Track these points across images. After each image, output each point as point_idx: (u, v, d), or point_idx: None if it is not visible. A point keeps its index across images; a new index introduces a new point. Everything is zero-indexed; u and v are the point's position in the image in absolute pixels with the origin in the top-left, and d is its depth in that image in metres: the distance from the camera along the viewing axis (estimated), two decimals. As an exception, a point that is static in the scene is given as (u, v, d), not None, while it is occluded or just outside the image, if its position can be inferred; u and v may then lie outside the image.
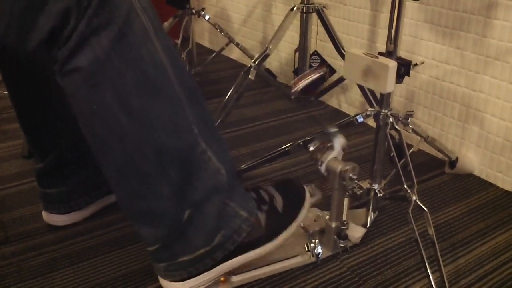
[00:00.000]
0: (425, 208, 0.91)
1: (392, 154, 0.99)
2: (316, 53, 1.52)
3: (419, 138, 1.18)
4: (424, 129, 1.20)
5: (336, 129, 0.94)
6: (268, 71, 1.92)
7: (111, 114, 0.70)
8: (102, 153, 0.75)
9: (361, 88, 1.34)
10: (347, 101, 1.66)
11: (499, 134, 1.23)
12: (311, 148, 0.95)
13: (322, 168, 0.92)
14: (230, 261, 0.86)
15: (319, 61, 1.52)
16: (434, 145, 1.20)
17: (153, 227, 0.80)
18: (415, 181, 0.93)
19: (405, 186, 0.92)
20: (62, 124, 0.96)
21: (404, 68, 0.94)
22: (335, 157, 0.94)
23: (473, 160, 1.30)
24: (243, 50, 1.80)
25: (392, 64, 0.89)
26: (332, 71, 1.53)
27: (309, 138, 1.12)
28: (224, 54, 2.16)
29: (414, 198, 0.91)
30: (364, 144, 1.45)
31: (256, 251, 0.88)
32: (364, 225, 1.06)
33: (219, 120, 1.34)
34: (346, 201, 0.94)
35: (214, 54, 1.87)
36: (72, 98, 0.71)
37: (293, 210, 0.93)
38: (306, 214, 0.95)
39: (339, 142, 0.92)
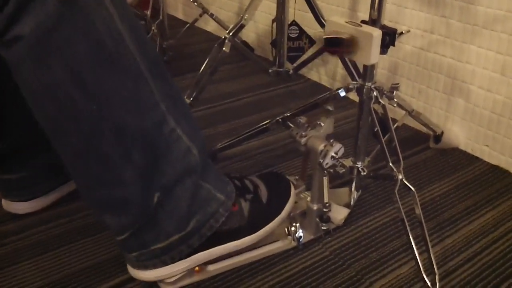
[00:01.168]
0: (412, 188, 0.85)
1: (376, 129, 0.93)
2: (294, 23, 1.44)
3: (403, 112, 1.13)
4: (409, 103, 1.14)
5: (330, 107, 0.87)
6: (245, 43, 1.84)
7: (62, 90, 0.62)
8: (56, 135, 0.67)
9: (342, 60, 1.27)
10: (328, 74, 1.59)
11: (486, 106, 1.18)
12: (300, 121, 0.88)
13: (302, 141, 0.85)
14: (207, 251, 0.80)
15: (297, 31, 1.44)
16: (419, 119, 1.14)
17: (118, 215, 0.73)
18: (401, 158, 0.87)
19: (390, 164, 0.86)
20: (17, 102, 0.88)
21: (389, 37, 0.87)
22: (317, 135, 0.87)
23: (458, 134, 1.25)
24: (218, 22, 1.71)
25: (377, 33, 0.82)
26: (311, 42, 1.45)
27: (288, 114, 1.05)
28: (198, 26, 2.06)
29: (400, 177, 0.85)
30: (345, 119, 1.39)
31: (236, 243, 0.82)
32: (347, 206, 1.01)
33: (193, 97, 1.26)
34: (326, 180, 0.87)
35: (187, 25, 1.77)
36: (17, 73, 0.63)
37: (278, 203, 0.87)
38: (291, 209, 0.89)
39: (328, 125, 0.86)
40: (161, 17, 1.59)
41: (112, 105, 0.64)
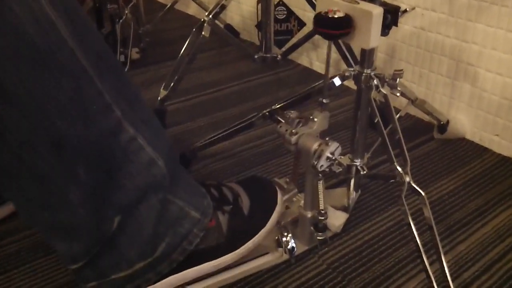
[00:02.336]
0: (421, 192, 0.73)
1: (376, 120, 0.81)
2: (281, 3, 1.31)
3: (404, 100, 1.00)
4: (411, 90, 1.01)
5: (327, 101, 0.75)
6: (229, 27, 1.70)
7: None
8: None
9: (336, 44, 1.15)
10: (319, 59, 1.46)
11: (494, 91, 1.06)
12: (289, 116, 0.75)
13: (293, 140, 0.73)
14: (180, 274, 0.67)
15: (285, 12, 1.31)
16: (423, 108, 1.02)
17: (68, 242, 0.61)
18: (407, 157, 0.75)
19: (396, 165, 0.74)
20: None
21: (391, 16, 0.75)
22: (310, 133, 0.75)
23: (464, 122, 1.13)
24: (199, 3, 1.57)
25: (377, 11, 0.69)
26: (301, 24, 1.32)
27: (276, 106, 0.92)
28: (178, 9, 1.92)
29: (407, 179, 0.73)
30: (340, 108, 1.26)
31: (214, 263, 0.69)
32: (345, 209, 0.89)
33: (170, 88, 1.13)
34: (321, 185, 0.75)
35: (166, 8, 1.63)
36: None
37: (263, 214, 0.75)
38: (278, 219, 0.77)
39: (323, 120, 0.74)
40: (134, 0, 1.45)
41: (44, 113, 0.51)
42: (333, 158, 0.71)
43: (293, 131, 0.74)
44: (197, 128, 1.18)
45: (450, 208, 0.92)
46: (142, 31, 1.57)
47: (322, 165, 0.71)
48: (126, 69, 1.33)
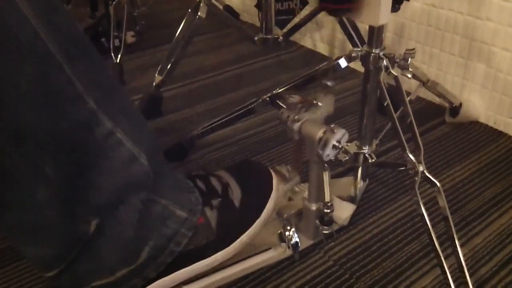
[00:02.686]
0: (437, 182, 0.67)
1: (385, 104, 0.75)
2: (282, -19, 1.23)
3: (413, 81, 0.94)
4: (423, 71, 0.95)
5: (330, 82, 0.68)
6: (229, 8, 1.63)
7: None
8: None
9: (341, 21, 1.08)
10: (324, 40, 1.39)
11: (511, 71, 0.99)
12: (291, 100, 0.69)
13: (295, 127, 0.67)
14: (169, 277, 0.62)
15: (286, -9, 1.23)
16: (435, 90, 0.96)
17: (37, 246, 0.55)
18: (420, 144, 0.69)
19: (408, 153, 0.68)
20: None
21: (402, -10, 0.68)
22: (314, 119, 0.69)
23: (478, 104, 1.07)
24: (196, -16, 1.50)
25: (387, -16, 0.63)
26: (303, 2, 1.25)
27: (278, 90, 0.86)
28: (176, -9, 1.85)
29: (421, 168, 0.67)
30: (345, 91, 1.20)
31: (204, 262, 0.64)
32: (352, 200, 0.83)
33: (165, 73, 1.07)
34: (326, 175, 0.69)
35: (162, -10, 1.55)
36: None
37: (256, 204, 0.69)
38: (273, 209, 0.71)
39: (328, 104, 0.67)
40: (128, -19, 1.38)
41: (3, 101, 0.45)
42: (340, 146, 0.65)
43: (296, 117, 0.68)
44: (195, 115, 1.12)
45: (464, 197, 0.86)
46: (138, 14, 1.50)
47: (328, 155, 0.65)
48: (120, 53, 1.27)
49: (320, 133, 0.66)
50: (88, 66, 0.51)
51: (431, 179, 0.67)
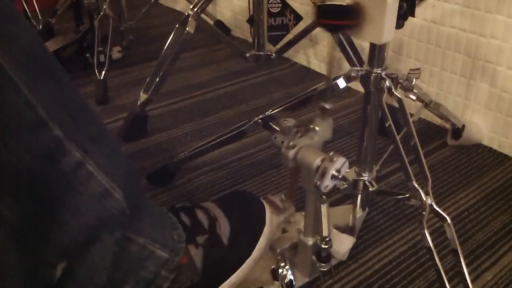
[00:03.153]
0: (447, 217, 0.61)
1: (388, 124, 0.69)
2: (275, -5, 1.18)
3: (410, 101, 0.88)
4: (426, 92, 0.89)
5: (328, 105, 0.62)
6: (220, 23, 1.58)
7: None
8: None
9: (337, 39, 1.02)
10: (318, 57, 1.33)
11: (517, 92, 0.94)
12: (286, 124, 0.63)
13: (290, 155, 0.61)
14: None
15: (279, 5, 1.18)
16: (438, 112, 0.90)
17: None
18: (428, 174, 0.63)
19: (414, 183, 0.62)
20: None
21: (407, 4, 0.62)
22: (311, 145, 0.63)
23: (481, 126, 1.01)
24: (186, -2, 1.45)
25: (392, -2, 0.57)
26: (297, 18, 1.19)
27: (271, 112, 0.80)
28: (166, 5, 1.80)
29: (429, 201, 0.61)
30: (341, 111, 1.14)
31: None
32: (351, 231, 0.77)
33: (151, 90, 1.00)
34: (325, 208, 0.63)
35: (150, 3, 1.50)
36: None
37: (246, 240, 0.62)
38: (266, 246, 0.64)
39: (326, 129, 0.61)
40: (114, -6, 1.32)
41: None
42: (339, 176, 0.59)
43: (291, 143, 0.61)
44: (183, 135, 1.06)
45: (471, 228, 0.80)
46: (125, 28, 1.44)
47: (326, 186, 0.59)
48: (104, 70, 1.20)
49: (317, 162, 0.60)
50: (52, 86, 0.45)
51: (440, 213, 0.61)
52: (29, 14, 1.56)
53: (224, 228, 0.62)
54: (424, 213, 0.60)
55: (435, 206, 0.61)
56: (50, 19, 1.51)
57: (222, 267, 0.60)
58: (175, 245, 0.55)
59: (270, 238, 0.66)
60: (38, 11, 1.53)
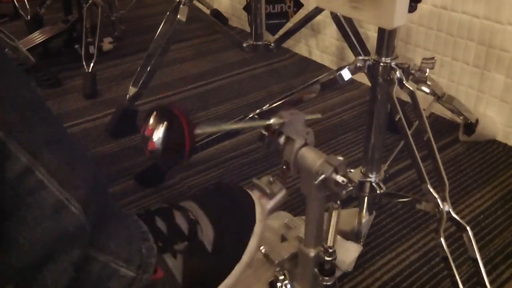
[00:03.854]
0: (466, 226, 0.54)
1: (398, 118, 0.62)
2: (274, -19, 1.10)
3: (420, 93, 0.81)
4: (439, 84, 0.82)
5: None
6: (216, 12, 1.50)
7: None
8: None
9: (340, 26, 0.95)
10: (320, 47, 1.26)
11: (535, 83, 0.87)
12: (272, 121, 0.55)
13: (291, 170, 0.54)
14: None
15: (278, -9, 1.11)
16: (451, 106, 0.83)
17: None
18: (444, 177, 0.56)
19: (429, 187, 0.55)
20: None
21: (421, -15, 0.55)
22: (305, 144, 0.55)
23: (495, 120, 0.94)
24: (180, -15, 1.37)
25: (405, -24, 0.50)
26: (297, 5, 1.12)
27: (268, 106, 0.73)
28: (160, -6, 1.72)
29: (446, 208, 0.54)
30: (344, 104, 1.07)
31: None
32: (357, 238, 0.70)
33: (140, 83, 0.93)
34: (336, 214, 0.56)
35: (143, -8, 1.42)
36: None
37: (234, 243, 0.55)
38: (258, 247, 0.57)
39: (298, 120, 0.53)
40: (103, -19, 1.25)
41: None
42: (344, 182, 0.52)
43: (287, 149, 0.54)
44: (175, 131, 0.99)
45: (488, 233, 0.73)
46: (116, 18, 1.37)
47: (336, 192, 0.51)
48: (93, 62, 1.13)
49: (318, 164, 0.53)
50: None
51: (459, 222, 0.54)
52: (17, 4, 1.50)
53: (207, 233, 0.54)
54: (441, 221, 0.53)
55: (453, 214, 0.54)
56: (38, 9, 1.44)
57: (207, 277, 0.53)
58: (144, 260, 0.48)
59: (260, 239, 0.58)
60: (26, 0, 1.46)
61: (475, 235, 0.71)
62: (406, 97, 0.63)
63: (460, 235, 0.55)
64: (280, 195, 0.64)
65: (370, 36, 1.09)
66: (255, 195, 0.60)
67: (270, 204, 0.63)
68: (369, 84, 0.66)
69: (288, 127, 0.55)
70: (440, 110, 1.00)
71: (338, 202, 0.54)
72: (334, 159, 0.52)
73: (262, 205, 0.60)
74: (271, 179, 0.63)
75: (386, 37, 0.60)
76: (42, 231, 0.40)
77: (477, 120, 0.91)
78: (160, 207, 0.55)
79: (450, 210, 0.54)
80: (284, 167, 0.57)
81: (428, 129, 0.62)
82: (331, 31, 1.19)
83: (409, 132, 0.62)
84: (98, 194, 0.45)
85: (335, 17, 0.95)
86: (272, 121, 0.54)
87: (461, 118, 0.91)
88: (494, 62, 0.91)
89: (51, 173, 0.39)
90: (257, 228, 0.58)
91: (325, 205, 0.58)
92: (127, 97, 0.96)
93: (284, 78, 1.19)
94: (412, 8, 0.55)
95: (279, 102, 0.71)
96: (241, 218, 0.58)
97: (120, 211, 0.50)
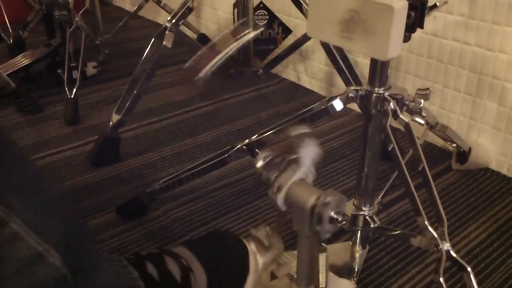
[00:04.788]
0: (467, 266, 0.51)
1: (391, 147, 0.59)
2: (262, 6, 1.09)
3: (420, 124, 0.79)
4: (432, 113, 0.80)
5: (305, 130, 0.52)
6: (203, 36, 1.48)
7: None
8: None
9: (330, 54, 0.93)
10: (309, 73, 1.24)
11: (528, 111, 0.86)
12: (259, 164, 0.53)
13: (279, 199, 0.51)
14: None
15: (266, 17, 1.09)
16: (444, 135, 0.81)
17: None
18: (443, 214, 0.53)
19: (426, 222, 0.52)
20: None
21: (416, 13, 0.53)
22: (302, 178, 0.52)
23: (488, 148, 0.92)
24: (165, 9, 1.35)
25: (400, 5, 0.48)
26: (286, 31, 1.11)
27: (257, 138, 0.70)
28: (146, 17, 1.70)
29: (446, 246, 0.51)
30: (335, 131, 1.05)
31: None
32: (349, 273, 0.67)
33: (124, 110, 0.90)
34: (324, 257, 0.53)
35: (129, 15, 1.40)
36: None
37: None
38: None
39: (310, 153, 0.51)
40: (86, 5, 1.22)
41: None
42: (339, 219, 0.49)
43: (279, 182, 0.51)
44: (160, 160, 0.95)
45: (485, 267, 0.70)
46: (100, 42, 1.34)
47: (327, 232, 0.49)
48: (76, 87, 1.10)
49: (312, 201, 0.50)
50: None
51: (459, 262, 0.51)
52: (-2, 26, 1.47)
53: (200, 280, 0.51)
54: (440, 261, 0.50)
55: (452, 253, 0.51)
56: (21, 33, 1.41)
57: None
58: None
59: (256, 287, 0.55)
60: (8, 23, 1.42)
61: (472, 269, 0.69)
62: (398, 124, 0.60)
63: (460, 274, 0.52)
64: (276, 249, 0.62)
65: (359, 62, 1.07)
66: (251, 246, 0.58)
67: (267, 257, 0.61)
68: (359, 110, 0.63)
69: (297, 153, 0.53)
70: (432, 137, 0.98)
71: (324, 244, 0.51)
72: (331, 194, 0.50)
73: (257, 257, 0.58)
74: (269, 231, 0.62)
75: (379, 67, 0.58)
76: (18, 283, 0.36)
77: (469, 149, 0.89)
78: (151, 252, 0.52)
79: (450, 249, 0.51)
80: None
81: (423, 159, 0.59)
82: (320, 56, 1.18)
83: (403, 163, 0.59)
84: (78, 240, 0.41)
85: (324, 45, 0.94)
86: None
87: (453, 146, 0.89)
88: (486, 89, 0.90)
89: (28, 222, 0.36)
90: (250, 279, 0.56)
91: (317, 242, 0.55)
92: (110, 125, 0.92)
93: (273, 104, 1.17)
94: (406, 38, 0.53)
95: (268, 133, 0.68)
96: (235, 267, 0.56)
97: (101, 257, 0.47)
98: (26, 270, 0.36)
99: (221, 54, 0.73)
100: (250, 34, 0.81)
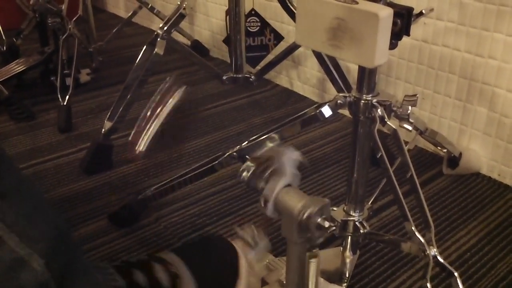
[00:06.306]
0: (454, 271, 0.52)
1: (380, 155, 0.60)
2: (254, 13, 1.09)
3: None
4: (421, 119, 0.81)
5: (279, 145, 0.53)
6: (197, 43, 1.49)
7: None
8: None
9: (321, 61, 0.93)
10: (301, 79, 1.25)
11: (518, 116, 0.86)
12: (245, 175, 0.53)
13: (269, 210, 0.51)
14: None
15: (258, 24, 1.10)
16: (434, 140, 0.81)
17: None
18: (430, 220, 0.53)
19: (413, 230, 0.52)
20: None
21: (401, 21, 0.53)
22: (288, 184, 0.53)
23: (479, 154, 0.93)
24: (159, 16, 1.36)
25: (385, 13, 0.49)
26: (278, 37, 1.11)
27: (247, 144, 0.70)
28: (140, 24, 1.71)
29: (433, 253, 0.51)
30: (327, 137, 1.05)
31: None
32: (341, 279, 0.67)
33: (117, 117, 0.91)
34: (315, 264, 0.53)
35: (123, 22, 1.40)
36: None
37: None
38: None
39: (290, 158, 0.51)
40: (80, 12, 1.23)
41: None
42: (327, 226, 0.49)
43: (267, 190, 0.51)
44: (152, 166, 0.96)
45: (475, 272, 0.71)
46: (94, 49, 1.34)
47: (315, 238, 0.49)
48: (68, 94, 1.10)
49: (299, 207, 0.50)
50: None
51: (446, 267, 0.51)
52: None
53: (188, 286, 0.51)
54: (428, 266, 0.51)
55: (439, 258, 0.52)
56: (15, 40, 1.41)
57: None
58: None
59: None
60: (1, 30, 1.43)
61: (462, 274, 0.70)
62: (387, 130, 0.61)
63: (448, 280, 0.53)
64: (262, 246, 0.62)
65: (352, 68, 1.08)
66: (238, 245, 0.58)
67: (253, 254, 0.61)
68: (351, 116, 0.64)
69: (277, 162, 0.53)
70: (423, 142, 0.98)
71: (314, 250, 0.52)
72: (317, 201, 0.50)
73: (246, 258, 0.58)
74: (254, 230, 0.62)
75: (367, 74, 0.58)
76: None
77: (460, 154, 0.90)
78: (138, 259, 0.52)
79: (437, 254, 0.52)
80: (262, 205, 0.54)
81: (411, 167, 0.60)
82: (312, 62, 1.18)
83: (391, 170, 0.60)
84: (64, 246, 0.41)
85: (316, 52, 0.94)
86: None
87: (444, 151, 0.90)
88: (476, 95, 0.91)
89: (11, 226, 0.36)
90: (241, 285, 0.56)
91: (306, 248, 0.55)
92: (102, 132, 0.92)
93: (266, 110, 1.17)
94: (393, 46, 0.54)
95: (258, 140, 0.69)
96: (225, 272, 0.56)
97: (89, 264, 0.47)
98: (6, 275, 0.36)
99: (152, 126, 0.76)
100: (173, 100, 0.83)
